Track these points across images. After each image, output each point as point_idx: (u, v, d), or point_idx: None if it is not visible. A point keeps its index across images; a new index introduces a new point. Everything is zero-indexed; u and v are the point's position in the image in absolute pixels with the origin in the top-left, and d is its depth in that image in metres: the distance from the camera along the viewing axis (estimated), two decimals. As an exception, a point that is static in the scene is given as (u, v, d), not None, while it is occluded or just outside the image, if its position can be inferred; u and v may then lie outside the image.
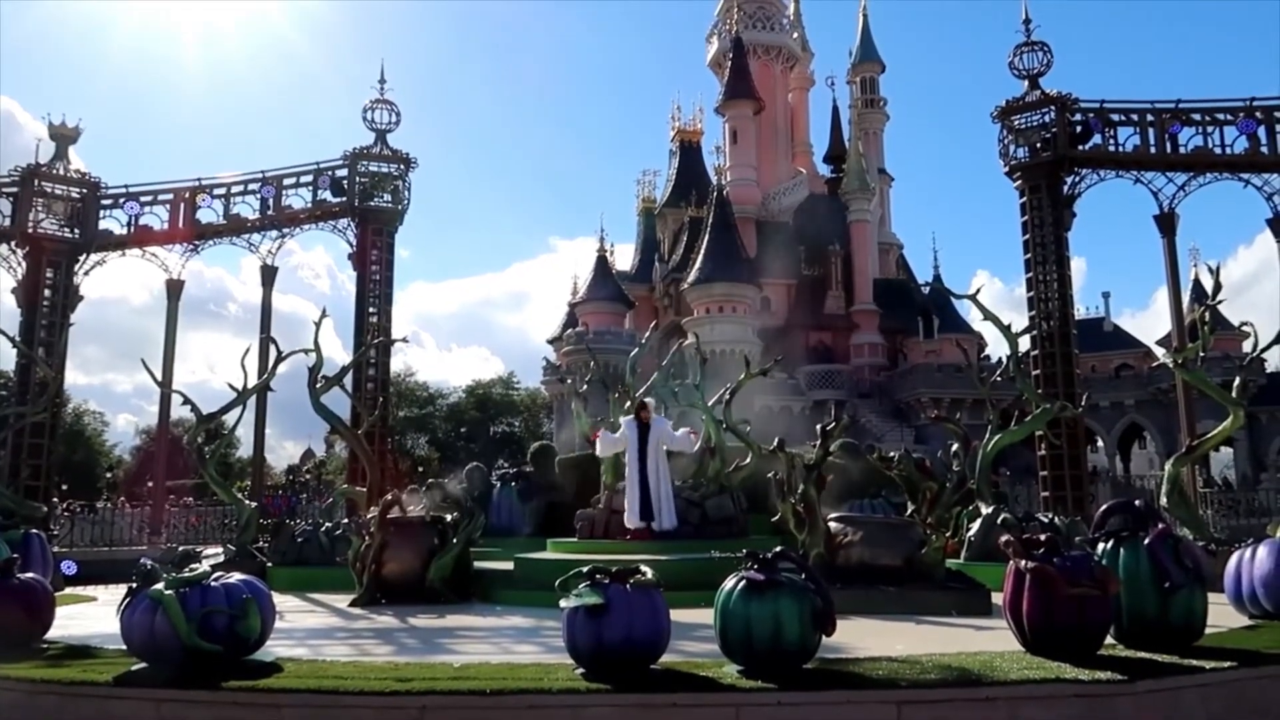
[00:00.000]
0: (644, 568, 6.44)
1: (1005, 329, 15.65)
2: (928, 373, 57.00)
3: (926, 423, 51.62)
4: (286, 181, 24.15)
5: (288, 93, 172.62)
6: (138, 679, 6.34)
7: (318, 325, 17.05)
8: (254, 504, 16.72)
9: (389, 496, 12.69)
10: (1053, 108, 21.99)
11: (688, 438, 13.70)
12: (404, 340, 24.86)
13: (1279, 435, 50.04)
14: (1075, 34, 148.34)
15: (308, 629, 9.76)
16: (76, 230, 23.31)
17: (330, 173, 23.96)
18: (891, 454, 13.96)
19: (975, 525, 13.44)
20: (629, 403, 15.34)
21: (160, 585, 6.45)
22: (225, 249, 25.33)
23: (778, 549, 6.61)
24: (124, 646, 6.71)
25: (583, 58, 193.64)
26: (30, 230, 22.70)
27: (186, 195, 24.05)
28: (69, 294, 23.03)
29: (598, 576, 6.28)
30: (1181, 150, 21.57)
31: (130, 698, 6.22)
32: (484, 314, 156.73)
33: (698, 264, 60.38)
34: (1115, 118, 22.00)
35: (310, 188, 24.06)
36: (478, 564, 12.83)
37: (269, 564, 14.47)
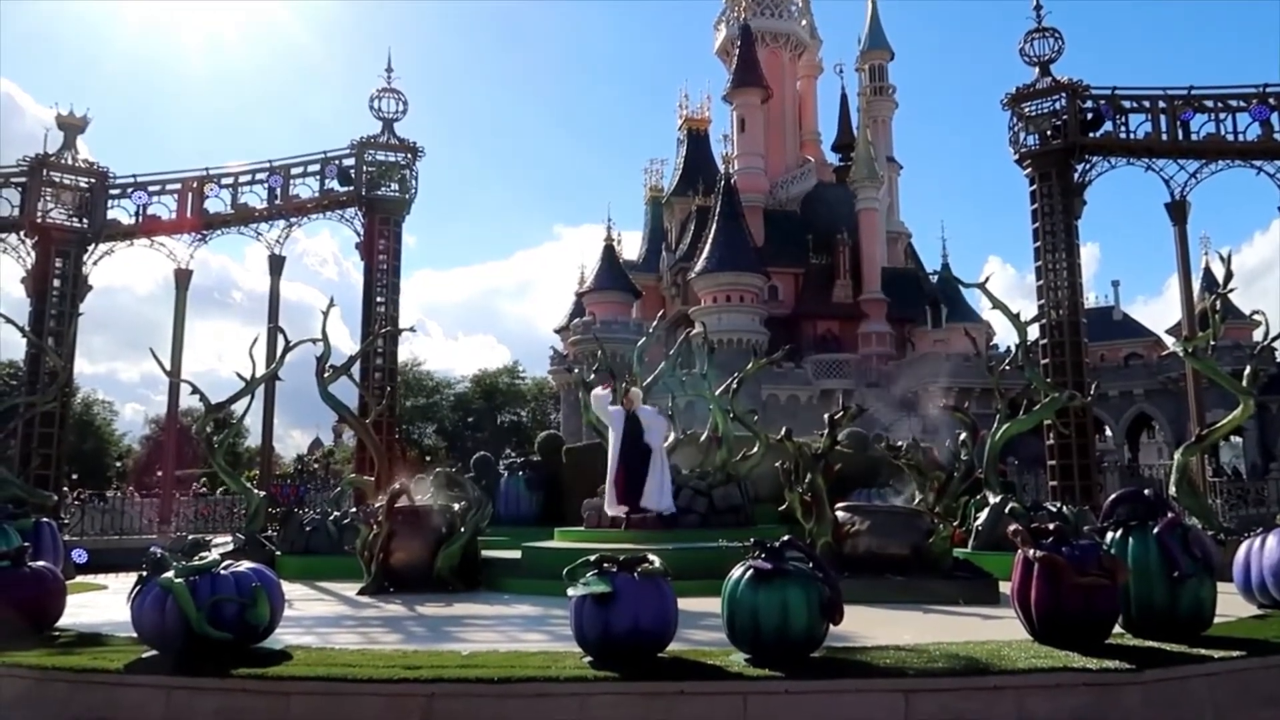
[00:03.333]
0: (651, 556, 6.44)
1: (1014, 318, 15.59)
2: (936, 362, 56.84)
3: (935, 412, 51.58)
4: (294, 171, 24.09)
5: (293, 83, 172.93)
6: (148, 666, 6.38)
7: (325, 315, 17.09)
8: (263, 493, 16.77)
9: (397, 486, 12.72)
10: (1064, 95, 21.82)
11: (661, 425, 13.42)
12: (411, 330, 24.77)
13: (1289, 424, 49.76)
14: (1087, 20, 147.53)
15: (316, 617, 9.80)
16: (85, 220, 23.31)
17: (337, 162, 23.89)
18: (900, 443, 13.96)
19: (983, 514, 13.43)
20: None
21: (170, 573, 6.48)
22: (230, 237, 25.29)
23: (785, 538, 6.61)
24: (134, 634, 6.75)
25: (589, 45, 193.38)
26: (39, 220, 22.71)
27: (194, 185, 24.02)
28: (78, 284, 23.04)
29: (605, 565, 6.29)
30: (1194, 137, 21.40)
31: (140, 685, 6.25)
32: (490, 302, 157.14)
33: (705, 253, 60.31)
34: (1127, 104, 21.83)
35: (318, 177, 23.98)
36: (485, 553, 12.85)
37: (278, 553, 14.53)
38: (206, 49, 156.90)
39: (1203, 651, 6.29)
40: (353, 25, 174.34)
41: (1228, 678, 6.15)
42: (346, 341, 44.70)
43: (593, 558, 6.43)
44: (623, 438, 12.85)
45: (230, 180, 24.26)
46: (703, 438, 15.17)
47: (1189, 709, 5.95)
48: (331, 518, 15.17)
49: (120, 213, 23.88)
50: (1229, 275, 14.36)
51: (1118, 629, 6.68)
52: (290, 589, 9.54)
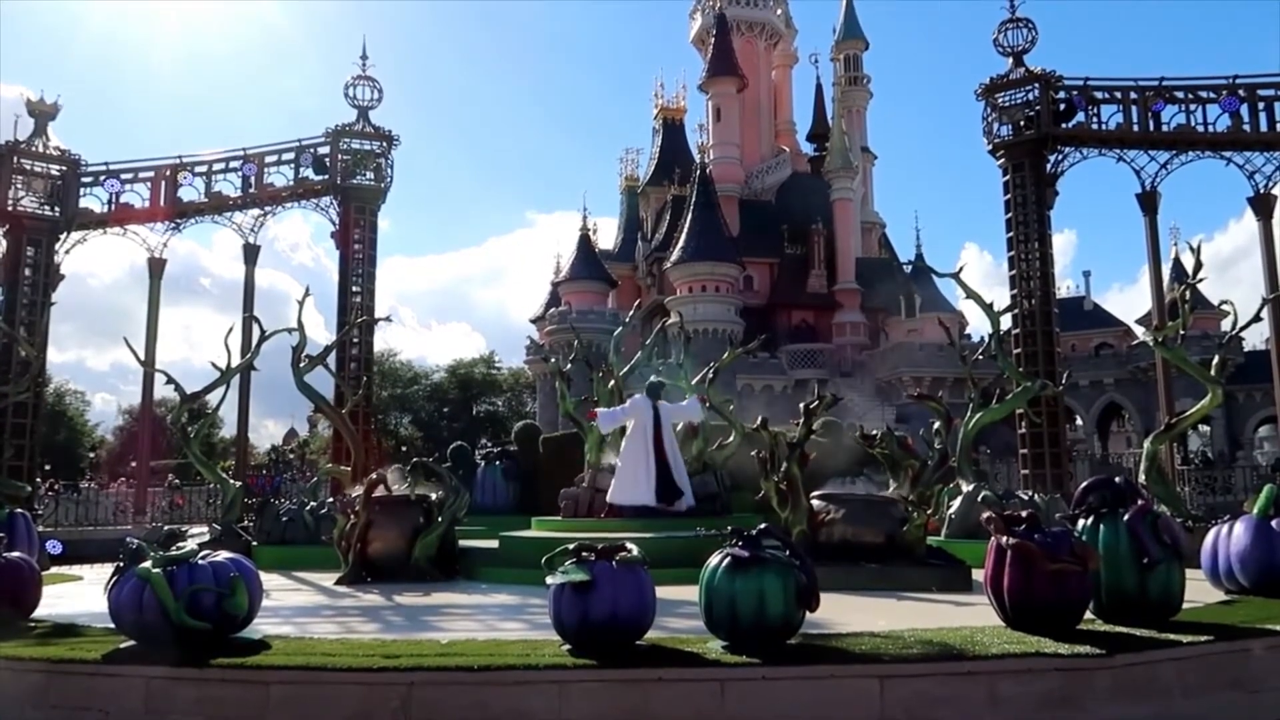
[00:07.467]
0: (629, 545, 6.48)
1: (987, 307, 15.72)
2: (909, 351, 57.17)
3: (908, 401, 51.90)
4: (268, 159, 23.86)
5: (269, 67, 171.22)
6: (126, 656, 6.36)
7: (301, 304, 16.97)
8: (239, 483, 16.69)
9: (374, 475, 12.71)
10: (1036, 85, 21.89)
11: (695, 404, 13.76)
12: (387, 320, 24.65)
13: (1256, 413, 50.45)
14: (1060, 10, 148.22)
15: (294, 607, 9.80)
16: (57, 208, 23.04)
17: (312, 150, 23.67)
18: (874, 432, 14.08)
19: (956, 503, 13.56)
20: (612, 382, 15.38)
21: (148, 563, 6.46)
22: (198, 225, 24.94)
23: (762, 526, 6.67)
24: (112, 625, 6.73)
25: (564, 31, 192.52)
26: (10, 208, 22.45)
27: (167, 173, 23.75)
28: (49, 273, 22.78)
29: (584, 554, 6.33)
30: (1164, 128, 21.55)
31: (119, 675, 6.24)
32: (463, 290, 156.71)
33: (680, 243, 60.35)
34: (1099, 95, 21.94)
35: (292, 165, 23.75)
36: (462, 542, 12.88)
37: (254, 543, 14.48)
38: (180, 32, 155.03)
39: (1171, 636, 6.40)
40: (328, 9, 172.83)
41: (1195, 662, 6.26)
42: (320, 330, 44.49)
43: (571, 546, 6.46)
44: (653, 428, 12.92)
45: (204, 168, 24.01)
46: (679, 427, 15.24)
47: (1157, 692, 6.06)
48: (308, 508, 15.13)
49: (93, 201, 23.58)
50: (1198, 266, 14.53)
51: (1089, 614, 6.78)
52: (267, 579, 9.52)
